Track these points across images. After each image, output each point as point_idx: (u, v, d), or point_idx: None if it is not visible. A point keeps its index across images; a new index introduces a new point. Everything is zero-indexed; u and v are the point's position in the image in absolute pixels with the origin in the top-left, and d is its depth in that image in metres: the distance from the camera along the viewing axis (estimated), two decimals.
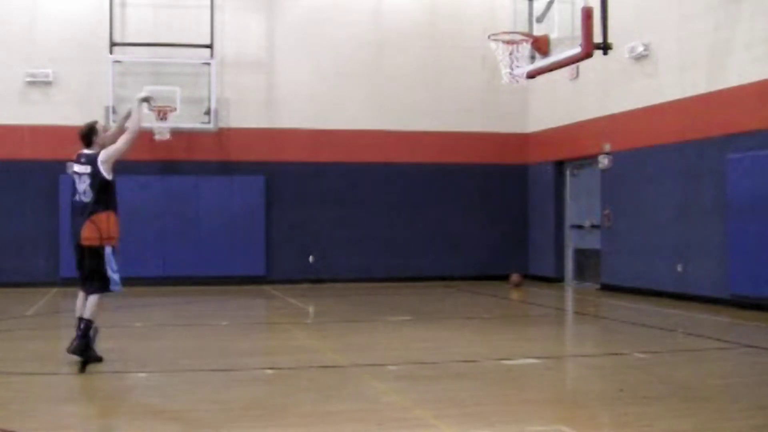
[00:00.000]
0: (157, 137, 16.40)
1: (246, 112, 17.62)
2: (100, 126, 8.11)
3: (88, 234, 7.69)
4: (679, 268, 13.82)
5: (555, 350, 9.56)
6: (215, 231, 17.32)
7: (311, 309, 13.54)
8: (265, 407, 6.29)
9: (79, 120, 16.60)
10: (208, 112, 16.85)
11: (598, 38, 10.82)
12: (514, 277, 17.13)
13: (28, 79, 16.79)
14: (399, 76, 18.27)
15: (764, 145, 12.12)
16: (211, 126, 16.90)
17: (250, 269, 17.44)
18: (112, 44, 16.91)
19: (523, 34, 12.22)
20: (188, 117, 16.72)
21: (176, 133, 16.63)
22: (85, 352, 7.62)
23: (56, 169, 16.73)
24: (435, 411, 6.02)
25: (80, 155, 7.94)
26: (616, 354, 8.67)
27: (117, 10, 17.10)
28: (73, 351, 7.62)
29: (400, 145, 18.32)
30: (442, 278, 17.95)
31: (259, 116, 17.77)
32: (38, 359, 8.47)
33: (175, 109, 16.45)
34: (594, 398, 6.72)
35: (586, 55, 10.98)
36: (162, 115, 16.32)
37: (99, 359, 7.72)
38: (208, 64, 16.96)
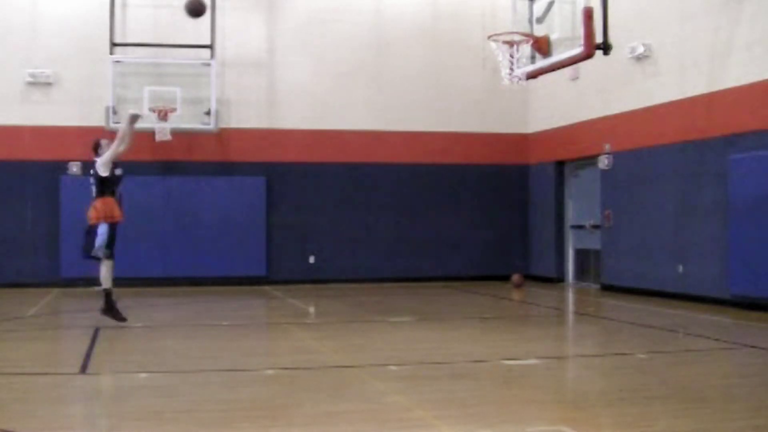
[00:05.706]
0: (157, 138, 16.38)
1: (246, 113, 17.62)
2: (103, 141, 10.79)
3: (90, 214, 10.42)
4: (680, 269, 13.82)
5: (556, 350, 9.56)
6: (216, 231, 17.32)
7: (312, 309, 13.54)
8: (266, 408, 6.29)
9: (80, 120, 17.04)
10: (208, 113, 16.84)
11: (598, 38, 10.85)
12: (515, 278, 17.10)
13: (29, 80, 16.78)
14: (399, 77, 18.27)
15: (766, 145, 12.12)
16: (211, 126, 16.90)
17: (251, 270, 17.44)
18: (113, 44, 16.89)
19: (523, 34, 12.24)
20: (189, 117, 16.72)
21: (177, 133, 16.61)
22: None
23: (57, 169, 16.74)
24: (436, 411, 6.02)
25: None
26: (617, 354, 8.67)
27: (117, 10, 17.08)
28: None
29: (401, 145, 18.31)
30: (443, 278, 17.94)
31: (260, 117, 17.77)
32: (39, 359, 8.47)
33: (176, 110, 16.46)
34: (595, 398, 6.72)
35: (587, 55, 11.03)
36: (163, 115, 16.33)
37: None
38: (209, 64, 16.96)
